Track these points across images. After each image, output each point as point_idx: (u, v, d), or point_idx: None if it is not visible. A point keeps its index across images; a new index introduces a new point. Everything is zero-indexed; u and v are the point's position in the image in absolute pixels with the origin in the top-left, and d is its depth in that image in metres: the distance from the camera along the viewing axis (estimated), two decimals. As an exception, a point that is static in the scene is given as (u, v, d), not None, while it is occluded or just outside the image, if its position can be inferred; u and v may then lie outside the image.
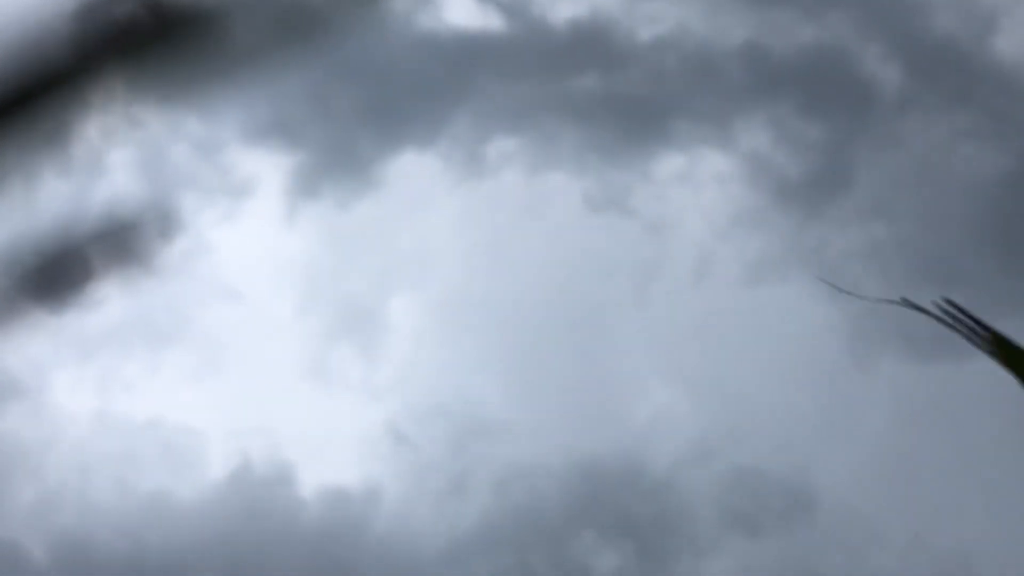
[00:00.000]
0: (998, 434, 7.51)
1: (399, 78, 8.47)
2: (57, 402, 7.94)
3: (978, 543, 7.36)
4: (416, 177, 8.53)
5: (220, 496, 7.85)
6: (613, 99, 8.49)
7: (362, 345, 8.41)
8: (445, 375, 8.42)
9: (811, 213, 8.30)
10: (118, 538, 7.65)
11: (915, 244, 8.22)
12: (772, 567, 7.74)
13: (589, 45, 8.55)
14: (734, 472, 7.95)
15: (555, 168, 8.48)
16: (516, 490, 7.96)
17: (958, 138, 8.37)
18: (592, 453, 8.02)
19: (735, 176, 8.43)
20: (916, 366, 7.94)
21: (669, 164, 8.47)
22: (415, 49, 8.43)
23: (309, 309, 8.52)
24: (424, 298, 8.63)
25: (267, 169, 8.35)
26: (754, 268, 8.31)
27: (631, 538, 7.84)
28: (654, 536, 7.82)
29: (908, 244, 8.22)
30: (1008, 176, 8.26)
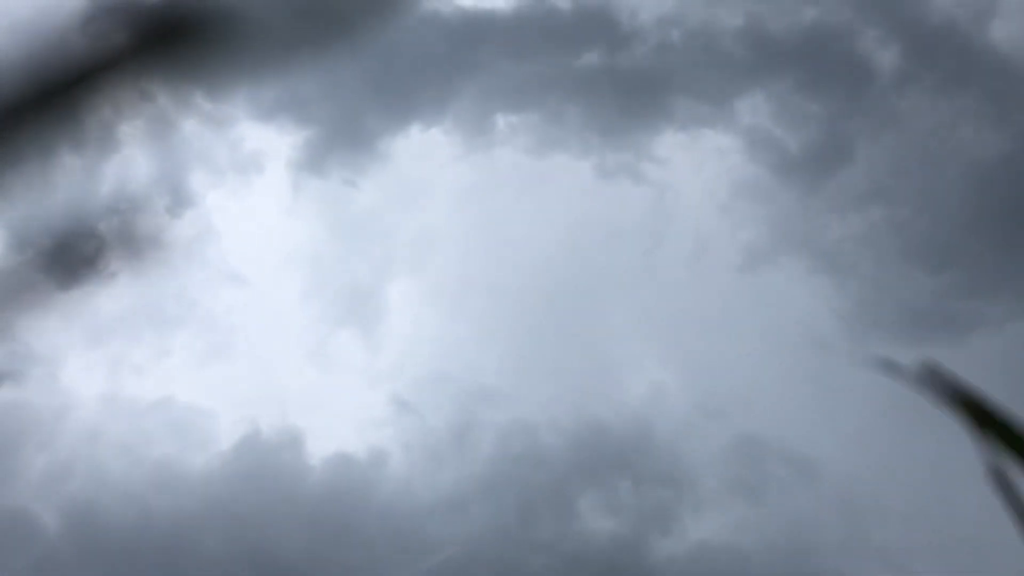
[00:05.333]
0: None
1: (406, 55, 8.48)
2: (69, 384, 7.98)
3: (975, 517, 7.39)
4: (422, 151, 8.55)
5: (227, 465, 7.88)
6: (616, 76, 8.50)
7: (367, 319, 8.45)
8: (447, 347, 8.47)
9: (810, 190, 8.33)
10: (128, 505, 7.69)
11: (912, 224, 8.25)
12: (774, 534, 7.79)
13: (593, 23, 8.57)
14: (735, 441, 7.99)
15: (558, 144, 8.50)
16: (515, 448, 8.03)
17: (956, 119, 8.39)
18: (592, 419, 8.07)
19: (736, 150, 8.46)
20: (911, 348, 7.98)
21: (671, 140, 8.50)
22: (422, 26, 8.44)
23: (316, 283, 8.56)
24: (429, 274, 8.67)
25: (275, 146, 8.38)
26: (752, 248, 8.34)
27: (629, 504, 7.88)
28: (652, 500, 7.87)
29: (905, 224, 8.25)
30: (1006, 157, 8.28)
